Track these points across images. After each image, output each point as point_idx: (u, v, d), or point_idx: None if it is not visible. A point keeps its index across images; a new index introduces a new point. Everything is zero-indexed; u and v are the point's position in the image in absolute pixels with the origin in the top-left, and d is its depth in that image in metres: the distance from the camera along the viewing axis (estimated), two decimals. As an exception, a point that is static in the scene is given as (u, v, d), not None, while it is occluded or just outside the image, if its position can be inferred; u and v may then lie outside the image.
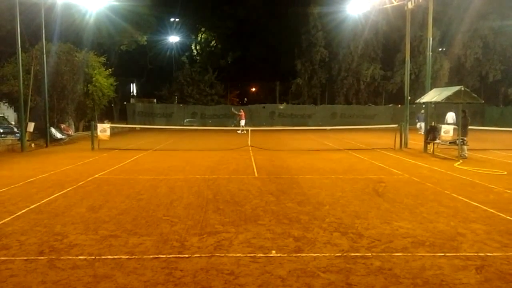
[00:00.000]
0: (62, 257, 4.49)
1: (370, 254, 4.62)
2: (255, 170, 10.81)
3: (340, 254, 4.60)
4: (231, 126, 30.05)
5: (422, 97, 15.35)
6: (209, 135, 24.49)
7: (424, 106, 18.05)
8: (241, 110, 28.94)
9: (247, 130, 23.65)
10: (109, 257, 4.51)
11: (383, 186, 8.61)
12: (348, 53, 39.95)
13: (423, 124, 19.77)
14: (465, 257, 4.53)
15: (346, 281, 3.92)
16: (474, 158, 13.25)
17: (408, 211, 6.51)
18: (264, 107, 38.10)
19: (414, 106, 24.36)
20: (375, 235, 5.27)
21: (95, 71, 24.89)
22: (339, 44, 39.97)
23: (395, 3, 18.31)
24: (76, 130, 25.15)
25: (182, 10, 43.34)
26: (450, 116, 23.67)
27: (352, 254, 4.62)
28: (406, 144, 16.81)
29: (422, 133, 18.06)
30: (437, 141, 14.47)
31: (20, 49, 16.20)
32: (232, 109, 31.26)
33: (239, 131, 25.52)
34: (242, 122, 27.19)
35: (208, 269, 4.18)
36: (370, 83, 40.43)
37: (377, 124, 31.51)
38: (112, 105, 35.11)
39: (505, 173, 10.41)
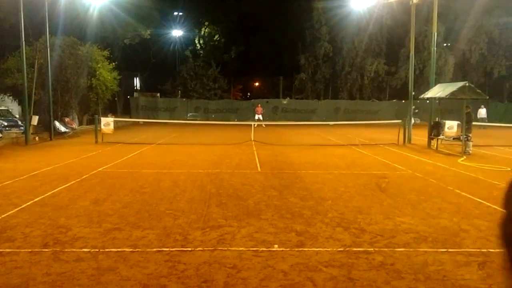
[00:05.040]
0: (66, 250, 4.53)
1: (372, 249, 4.63)
2: (258, 165, 10.82)
3: (342, 249, 4.61)
4: (235, 121, 30.06)
5: (426, 93, 15.27)
6: (212, 130, 24.49)
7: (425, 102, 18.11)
8: (259, 105, 29.73)
9: (263, 125, 24.06)
10: (113, 250, 4.54)
11: (386, 181, 8.60)
12: (352, 48, 39.70)
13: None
14: (468, 253, 4.53)
15: (348, 276, 3.93)
16: (478, 154, 13.20)
17: (411, 207, 6.51)
18: (267, 102, 37.98)
19: (418, 101, 24.28)
20: (378, 230, 5.28)
21: (98, 65, 24.90)
22: (343, 39, 39.71)
23: (400, -2, 18.16)
24: (80, 123, 25.22)
25: (185, 4, 43.24)
26: (482, 112, 26.90)
27: (354, 249, 4.63)
28: (409, 139, 16.75)
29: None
30: (441, 137, 14.42)
31: (24, 42, 16.22)
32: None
33: (263, 125, 25.75)
34: (259, 116, 27.53)
35: (211, 263, 4.21)
36: (374, 78, 40.19)
37: (380, 119, 31.38)
38: (116, 99, 35.14)
39: (509, 169, 10.36)
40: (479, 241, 4.92)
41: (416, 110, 23.15)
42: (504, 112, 34.47)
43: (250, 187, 7.97)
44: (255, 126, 25.13)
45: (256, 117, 27.75)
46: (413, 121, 21.44)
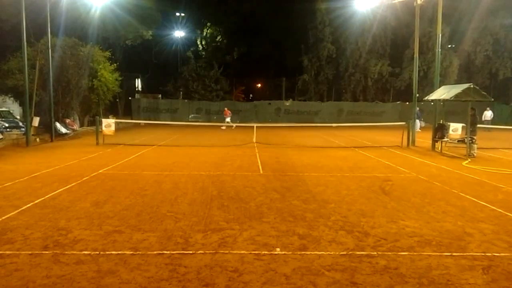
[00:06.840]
0: (66, 252, 4.49)
1: (375, 253, 4.57)
2: (260, 167, 10.76)
3: (345, 253, 4.55)
4: (237, 122, 30.13)
5: (430, 95, 15.18)
6: (214, 131, 24.47)
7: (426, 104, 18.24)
8: (225, 108, 29.82)
9: (233, 126, 24.49)
10: (113, 252, 4.50)
11: (390, 184, 8.53)
12: (355, 49, 39.64)
13: (417, 122, 21.33)
14: (472, 257, 4.46)
15: (351, 280, 3.87)
16: (483, 157, 13.10)
17: (415, 210, 6.44)
18: (270, 103, 37.96)
19: (422, 103, 24.20)
20: (381, 234, 5.21)
21: (100, 66, 24.93)
22: (347, 40, 39.67)
23: (404, -1, 18.09)
24: (81, 125, 25.22)
25: (187, 5, 43.33)
26: (488, 114, 27.30)
27: (358, 252, 4.57)
28: (413, 142, 16.67)
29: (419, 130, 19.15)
30: (445, 139, 14.32)
31: (25, 43, 16.19)
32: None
33: (233, 127, 26.05)
34: (228, 119, 27.83)
35: (212, 266, 4.16)
36: (378, 79, 40.08)
37: (384, 121, 31.26)
38: (117, 100, 35.22)
39: (514, 172, 10.28)
40: (483, 245, 4.85)
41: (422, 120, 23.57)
42: (510, 114, 34.34)
43: (252, 189, 7.92)
44: (224, 128, 25.60)
45: (226, 119, 27.92)
46: (418, 125, 21.99)
